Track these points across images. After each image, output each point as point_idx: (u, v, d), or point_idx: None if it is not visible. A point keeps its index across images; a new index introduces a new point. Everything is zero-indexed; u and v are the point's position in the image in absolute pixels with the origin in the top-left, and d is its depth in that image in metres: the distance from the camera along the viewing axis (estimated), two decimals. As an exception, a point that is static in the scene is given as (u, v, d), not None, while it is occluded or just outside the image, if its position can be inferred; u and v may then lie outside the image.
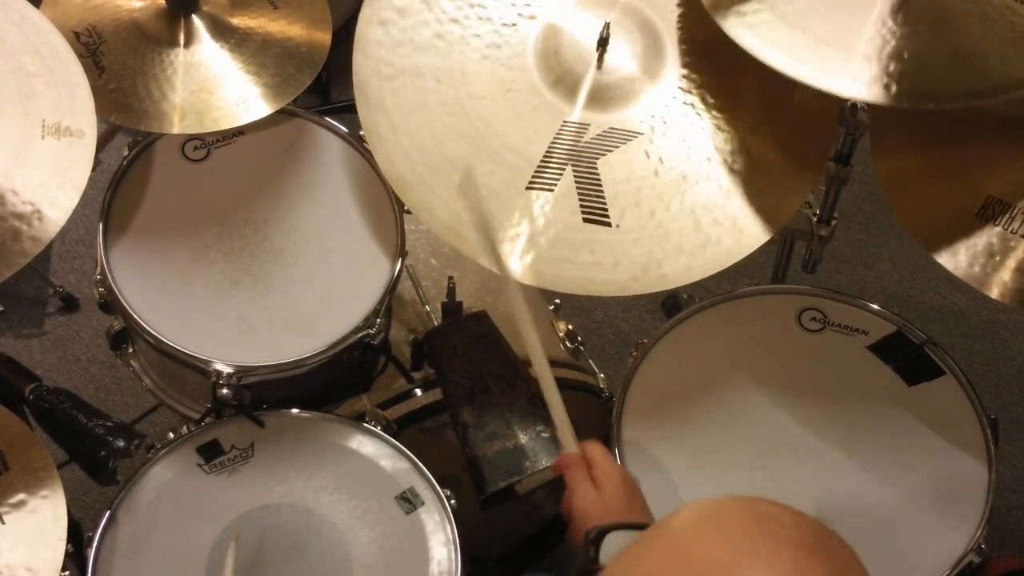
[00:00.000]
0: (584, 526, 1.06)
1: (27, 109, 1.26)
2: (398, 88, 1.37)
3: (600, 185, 1.30)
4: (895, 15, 1.25)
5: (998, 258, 1.29)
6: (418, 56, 1.38)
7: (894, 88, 1.22)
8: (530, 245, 1.28)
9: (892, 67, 1.22)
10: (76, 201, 1.24)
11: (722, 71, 1.38)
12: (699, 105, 1.37)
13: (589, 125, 1.34)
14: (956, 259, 1.30)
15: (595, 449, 1.15)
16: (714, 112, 1.36)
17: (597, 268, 1.28)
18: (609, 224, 1.29)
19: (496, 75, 1.38)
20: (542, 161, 1.32)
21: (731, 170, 1.33)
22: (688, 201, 1.30)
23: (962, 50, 1.24)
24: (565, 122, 1.35)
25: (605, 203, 1.29)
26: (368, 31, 1.39)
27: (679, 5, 1.43)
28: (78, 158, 1.26)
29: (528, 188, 1.31)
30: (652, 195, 1.30)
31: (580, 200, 1.30)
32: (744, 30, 1.25)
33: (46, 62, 1.30)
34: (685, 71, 1.39)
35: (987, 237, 1.30)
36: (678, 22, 1.42)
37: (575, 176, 1.31)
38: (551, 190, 1.30)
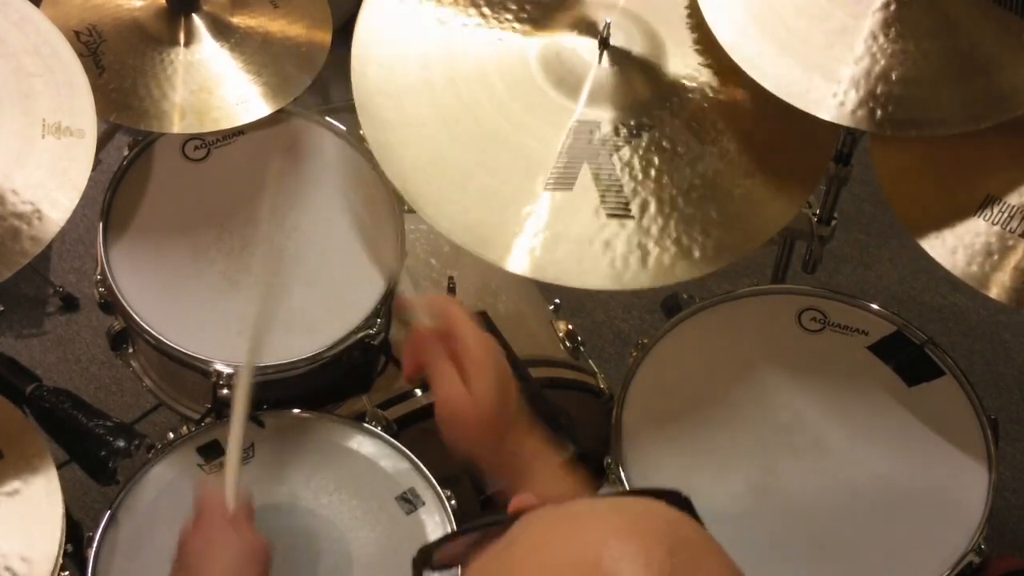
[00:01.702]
0: (455, 429, 0.91)
1: (27, 109, 1.26)
2: (403, 104, 1.37)
3: (618, 179, 1.30)
4: (887, 30, 1.26)
5: (996, 257, 1.29)
6: (419, 70, 1.38)
7: (879, 113, 1.23)
8: (555, 244, 1.28)
9: (879, 90, 1.23)
10: (76, 201, 1.24)
11: (723, 68, 1.38)
12: (703, 99, 1.37)
13: (600, 122, 1.35)
14: (954, 258, 1.30)
15: (451, 312, 0.92)
16: (718, 105, 1.37)
17: (625, 261, 1.28)
18: (632, 217, 1.29)
19: (501, 79, 1.38)
20: (558, 161, 1.32)
21: (748, 152, 1.32)
22: (707, 187, 1.30)
23: (957, 70, 1.25)
24: (576, 121, 1.35)
25: (625, 196, 1.30)
26: (366, 51, 1.39)
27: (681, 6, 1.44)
28: (78, 158, 1.26)
29: (547, 189, 1.31)
30: (671, 183, 1.30)
31: (600, 195, 1.30)
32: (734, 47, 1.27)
33: (46, 62, 1.30)
34: (686, 66, 1.39)
35: (985, 236, 1.30)
36: (678, 19, 1.43)
37: (592, 172, 1.31)
38: (570, 188, 1.31)
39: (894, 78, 1.24)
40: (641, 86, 1.38)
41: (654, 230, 1.28)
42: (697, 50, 1.40)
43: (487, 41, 1.40)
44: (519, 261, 1.28)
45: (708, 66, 1.39)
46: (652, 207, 1.29)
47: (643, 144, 1.33)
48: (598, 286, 1.28)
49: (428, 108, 1.36)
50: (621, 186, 1.30)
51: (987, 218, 1.30)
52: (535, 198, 1.30)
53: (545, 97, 1.37)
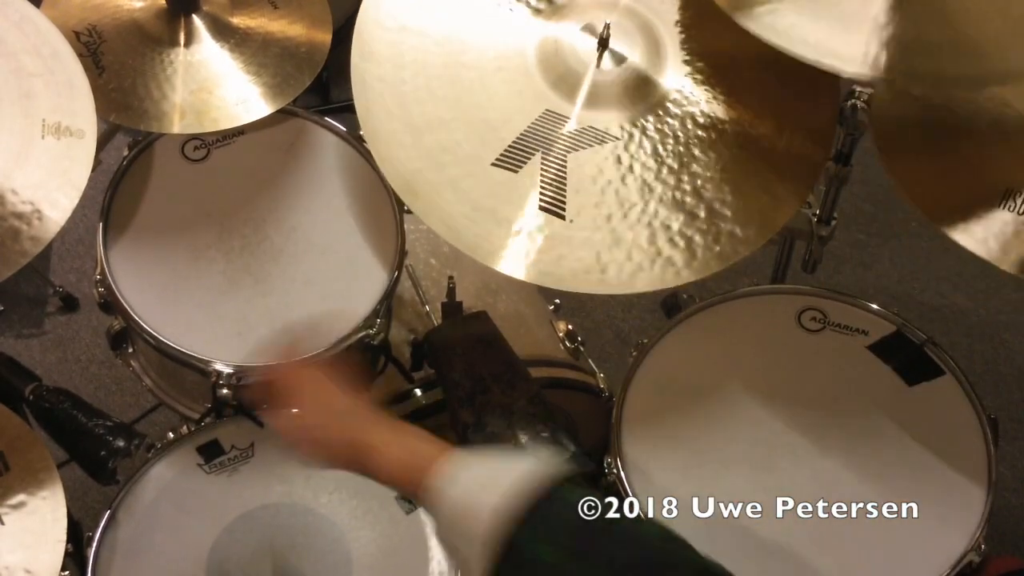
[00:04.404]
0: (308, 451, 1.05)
1: (27, 109, 1.26)
2: (397, 41, 1.38)
3: (564, 177, 1.31)
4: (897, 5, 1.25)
5: None
6: (422, 15, 1.40)
7: (896, 67, 1.21)
8: (478, 217, 1.29)
9: (893, 49, 1.21)
10: (76, 201, 1.24)
11: (720, 76, 1.38)
12: (695, 116, 1.37)
13: (568, 119, 1.35)
14: (988, 247, 1.28)
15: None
16: (717, 108, 1.37)
17: (539, 256, 1.28)
18: (563, 217, 1.29)
19: (493, 49, 1.39)
20: (514, 142, 1.32)
21: (699, 195, 1.32)
22: (648, 214, 1.30)
23: (964, 37, 1.24)
24: (547, 111, 1.35)
25: (565, 196, 1.30)
26: None
27: (680, 8, 1.43)
28: (78, 158, 1.26)
29: (493, 164, 1.31)
30: (613, 200, 1.30)
31: (540, 187, 1.30)
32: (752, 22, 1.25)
33: (46, 62, 1.30)
34: (682, 76, 1.39)
35: (1014, 225, 1.27)
36: (679, 25, 1.43)
37: (542, 163, 1.31)
38: (515, 171, 1.31)
39: (907, 39, 1.22)
40: (630, 91, 1.37)
41: (579, 237, 1.28)
42: (692, 55, 1.40)
43: (494, 16, 1.41)
44: (438, 222, 1.29)
45: (709, 65, 1.39)
46: (585, 215, 1.29)
47: (603, 153, 1.33)
48: (500, 267, 1.28)
49: (415, 52, 1.37)
50: (565, 185, 1.30)
51: (1011, 208, 1.29)
52: (479, 169, 1.31)
53: (530, 79, 1.37)
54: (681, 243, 1.29)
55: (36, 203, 1.22)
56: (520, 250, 1.28)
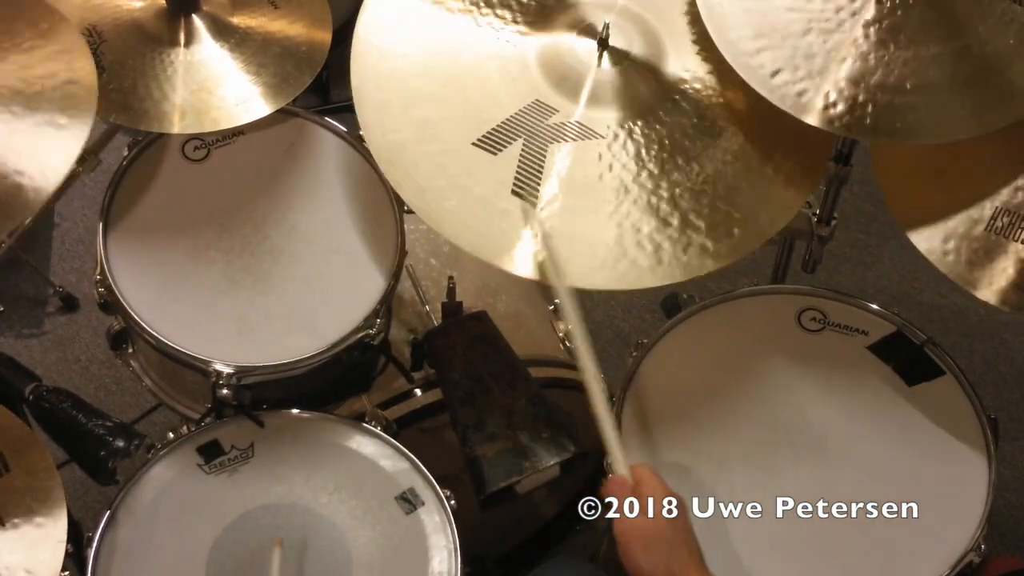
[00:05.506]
0: (628, 550, 1.09)
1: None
2: (400, 21, 1.40)
3: (542, 166, 1.31)
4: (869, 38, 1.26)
5: (996, 260, 1.28)
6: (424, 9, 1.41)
7: (868, 120, 1.23)
8: (450, 194, 1.29)
9: (876, 97, 1.23)
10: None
11: (717, 85, 1.39)
12: (684, 127, 1.36)
13: (558, 111, 1.35)
14: (948, 260, 1.29)
15: (643, 471, 1.14)
16: (697, 134, 1.36)
17: (502, 238, 1.28)
18: (533, 205, 1.30)
19: (495, 34, 1.40)
20: (499, 125, 1.33)
21: (675, 203, 1.32)
22: (620, 214, 1.30)
23: (964, 73, 1.25)
24: (536, 100, 1.35)
25: (539, 184, 1.30)
26: None
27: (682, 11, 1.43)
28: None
29: (474, 144, 1.31)
30: (587, 195, 1.30)
31: (517, 171, 1.30)
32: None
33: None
34: (679, 84, 1.39)
35: (985, 240, 1.29)
36: (680, 29, 1.43)
37: (523, 149, 1.32)
38: (494, 153, 1.31)
39: (892, 84, 1.23)
40: (623, 92, 1.37)
41: (546, 226, 1.28)
42: (696, 53, 1.41)
43: (488, 33, 1.42)
44: (410, 194, 1.30)
45: (708, 71, 1.39)
46: (556, 206, 1.29)
47: (584, 149, 1.33)
48: (467, 249, 1.28)
49: (418, 31, 1.40)
50: (541, 174, 1.30)
51: (999, 231, 1.30)
52: (460, 147, 1.31)
53: (526, 70, 1.38)
54: (648, 247, 1.29)
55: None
56: (487, 232, 1.28)
